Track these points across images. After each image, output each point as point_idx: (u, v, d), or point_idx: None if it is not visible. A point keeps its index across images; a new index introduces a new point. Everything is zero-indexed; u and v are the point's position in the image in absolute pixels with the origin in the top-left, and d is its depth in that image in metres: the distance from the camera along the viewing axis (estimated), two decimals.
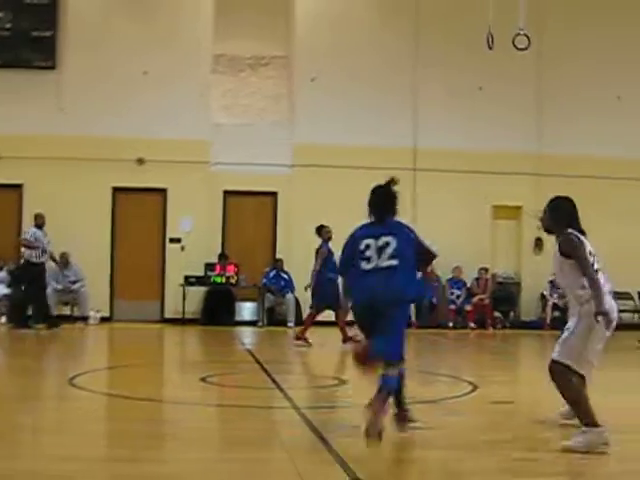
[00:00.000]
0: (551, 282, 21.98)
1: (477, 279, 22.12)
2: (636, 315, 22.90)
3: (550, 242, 22.34)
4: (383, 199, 7.78)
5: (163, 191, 21.69)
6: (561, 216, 7.66)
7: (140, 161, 21.42)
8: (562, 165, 22.26)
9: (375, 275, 7.29)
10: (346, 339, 15.48)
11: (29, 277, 18.78)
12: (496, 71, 22.16)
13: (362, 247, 7.42)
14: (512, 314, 22.57)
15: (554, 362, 7.26)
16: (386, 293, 7.17)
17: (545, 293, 22.16)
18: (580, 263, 7.17)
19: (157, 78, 21.41)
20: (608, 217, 22.10)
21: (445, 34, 22.27)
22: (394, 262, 7.31)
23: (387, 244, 7.39)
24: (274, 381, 10.89)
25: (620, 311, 21.72)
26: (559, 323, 21.61)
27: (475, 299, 21.93)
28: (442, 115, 22.19)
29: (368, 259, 7.37)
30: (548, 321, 21.88)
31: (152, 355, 15.83)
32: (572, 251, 7.26)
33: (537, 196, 22.35)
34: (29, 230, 19.05)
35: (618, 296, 22.05)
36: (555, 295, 22.05)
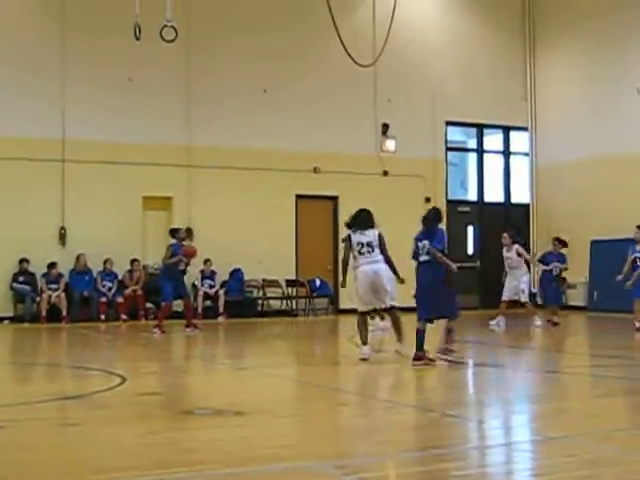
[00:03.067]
0: (202, 272, 22.30)
1: (129, 271, 22.02)
2: (284, 302, 23.69)
3: (199, 232, 22.69)
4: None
5: None
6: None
7: None
8: (212, 156, 22.68)
9: None
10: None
11: None
12: (145, 62, 22.19)
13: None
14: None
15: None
16: None
17: (196, 283, 22.41)
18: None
19: None
20: (257, 207, 22.86)
21: (91, 26, 21.97)
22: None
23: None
24: None
25: (270, 298, 22.47)
26: (210, 312, 22.11)
27: (127, 291, 21.82)
28: (91, 106, 21.88)
29: None
30: (200, 310, 22.13)
31: None
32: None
33: (188, 187, 22.73)
34: None
35: (268, 284, 22.98)
36: (206, 284, 22.39)
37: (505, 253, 19.60)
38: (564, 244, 20.28)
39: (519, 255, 19.45)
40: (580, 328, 21.02)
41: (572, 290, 24.83)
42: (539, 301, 22.75)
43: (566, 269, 20.34)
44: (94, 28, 21.98)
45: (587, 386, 10.87)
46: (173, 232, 18.48)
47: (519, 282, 19.35)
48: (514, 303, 19.72)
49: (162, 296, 18.46)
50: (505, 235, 19.79)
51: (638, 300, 17.79)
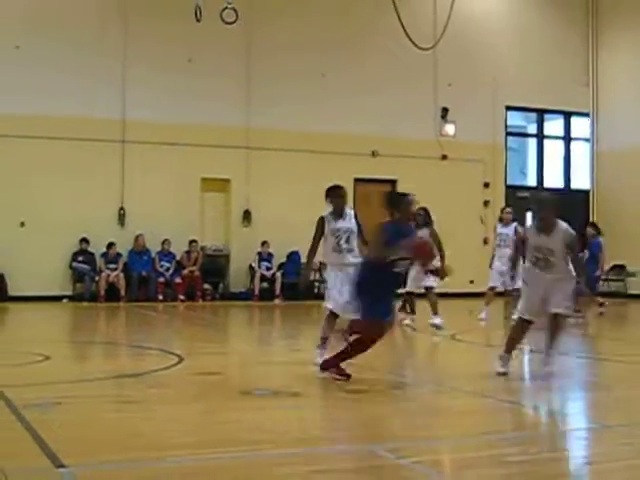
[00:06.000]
0: (259, 254, 22.40)
1: (187, 252, 22.17)
2: None
3: (256, 215, 22.75)
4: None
5: None
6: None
7: None
8: (270, 139, 22.72)
9: None
10: None
11: None
12: (205, 43, 22.26)
13: None
14: (221, 286, 22.80)
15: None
16: None
17: (253, 264, 22.52)
18: None
19: None
20: (314, 190, 22.82)
21: (153, 7, 22.11)
22: None
23: None
24: None
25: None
26: (267, 293, 22.21)
27: (185, 271, 21.97)
28: (151, 87, 22.00)
29: None
30: (257, 292, 22.28)
31: None
32: None
33: (246, 169, 22.80)
34: None
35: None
36: (263, 266, 22.47)
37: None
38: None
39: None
40: (638, 317, 20.74)
41: (632, 278, 24.55)
42: None
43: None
44: (155, 9, 22.11)
45: None
46: (392, 201, 9.58)
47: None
48: None
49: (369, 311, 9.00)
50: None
51: None
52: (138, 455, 5.94)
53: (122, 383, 9.22)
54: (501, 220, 17.52)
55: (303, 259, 22.79)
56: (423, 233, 15.74)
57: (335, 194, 10.43)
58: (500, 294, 17.47)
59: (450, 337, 14.01)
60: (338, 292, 10.13)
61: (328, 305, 10.28)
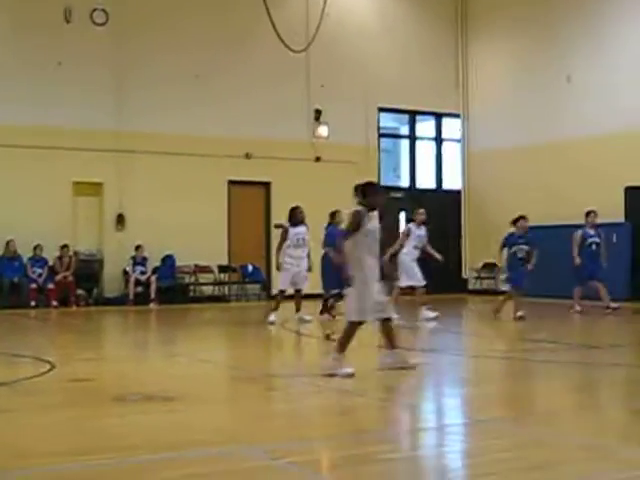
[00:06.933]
0: (133, 258, 22.14)
1: (59, 257, 21.76)
2: (216, 288, 23.61)
3: (130, 218, 22.47)
4: None
5: None
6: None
7: None
8: (143, 142, 22.48)
9: None
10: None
11: None
12: (76, 46, 21.87)
13: None
14: (95, 291, 22.45)
15: None
16: None
17: (127, 269, 22.25)
18: None
19: None
20: (188, 193, 22.75)
21: (18, 8, 21.62)
22: None
23: None
24: None
25: (201, 284, 22.31)
26: (142, 298, 21.96)
27: (58, 277, 21.55)
28: (16, 90, 21.51)
29: None
30: (131, 297, 22.00)
31: None
32: None
33: (117, 172, 22.51)
34: None
35: (200, 270, 22.95)
36: (138, 271, 22.20)
37: None
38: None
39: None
40: (509, 313, 21.19)
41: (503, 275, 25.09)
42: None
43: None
44: (24, 12, 21.62)
45: (514, 370, 11.01)
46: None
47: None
48: None
49: None
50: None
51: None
52: (4, 464, 5.81)
53: None
54: (413, 220, 18.08)
55: (179, 262, 22.88)
56: (301, 229, 16.59)
57: (374, 191, 9.40)
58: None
59: (325, 337, 14.09)
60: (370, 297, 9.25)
61: (353, 317, 9.42)
